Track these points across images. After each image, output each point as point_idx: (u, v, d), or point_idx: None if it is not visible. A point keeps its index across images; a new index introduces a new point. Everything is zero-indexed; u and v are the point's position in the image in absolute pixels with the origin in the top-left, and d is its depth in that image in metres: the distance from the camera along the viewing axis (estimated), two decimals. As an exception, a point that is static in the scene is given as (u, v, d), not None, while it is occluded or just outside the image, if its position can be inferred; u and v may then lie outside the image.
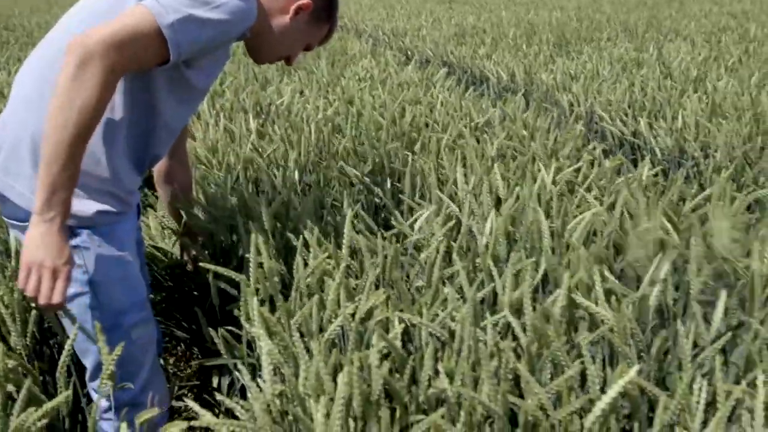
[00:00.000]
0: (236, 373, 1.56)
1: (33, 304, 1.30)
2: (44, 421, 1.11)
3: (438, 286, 1.50)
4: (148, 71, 1.32)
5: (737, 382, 1.29)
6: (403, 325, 1.32)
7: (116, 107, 1.34)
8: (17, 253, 1.48)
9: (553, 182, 2.06)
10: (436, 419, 1.04)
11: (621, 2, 11.52)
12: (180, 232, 1.96)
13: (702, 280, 1.41)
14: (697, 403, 1.09)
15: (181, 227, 1.95)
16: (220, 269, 1.52)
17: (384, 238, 1.66)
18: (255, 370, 1.53)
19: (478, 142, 2.55)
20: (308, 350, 1.29)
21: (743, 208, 1.87)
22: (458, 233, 1.79)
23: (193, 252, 1.97)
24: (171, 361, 2.36)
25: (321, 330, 1.39)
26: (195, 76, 1.40)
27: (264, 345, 1.22)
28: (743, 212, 1.88)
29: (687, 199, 2.01)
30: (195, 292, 2.08)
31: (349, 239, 1.54)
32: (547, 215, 1.81)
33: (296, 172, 2.24)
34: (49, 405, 1.12)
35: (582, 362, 1.17)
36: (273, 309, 1.46)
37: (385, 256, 1.56)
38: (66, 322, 1.41)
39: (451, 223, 1.74)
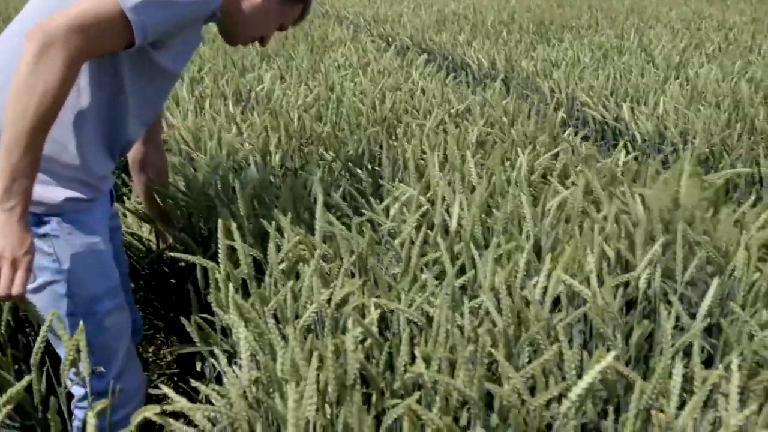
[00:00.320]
0: (212, 360, 1.55)
1: None
2: (9, 407, 1.10)
3: (415, 273, 1.50)
4: (115, 55, 1.29)
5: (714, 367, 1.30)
6: (379, 311, 1.32)
7: (83, 92, 1.31)
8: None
9: (530, 169, 2.06)
10: (411, 404, 1.03)
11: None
12: (155, 218, 1.93)
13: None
14: (674, 387, 1.09)
15: (157, 213, 1.93)
16: (192, 257, 1.50)
17: (359, 225, 1.65)
18: (232, 357, 1.52)
19: (457, 128, 2.54)
20: (284, 337, 1.28)
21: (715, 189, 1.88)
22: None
23: (170, 240, 1.95)
24: (150, 349, 2.35)
25: (297, 317, 1.38)
26: (163, 58, 1.37)
27: (240, 332, 1.21)
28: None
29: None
30: (172, 280, 2.06)
31: (322, 225, 1.52)
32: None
33: (277, 157, 2.23)
34: (13, 390, 1.10)
35: (560, 346, 1.17)
36: (247, 295, 1.45)
37: (360, 245, 1.55)
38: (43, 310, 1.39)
39: (423, 208, 1.73)
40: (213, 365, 1.69)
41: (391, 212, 1.78)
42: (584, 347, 1.44)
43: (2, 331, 1.57)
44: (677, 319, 1.37)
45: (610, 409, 1.13)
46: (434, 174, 1.98)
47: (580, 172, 2.01)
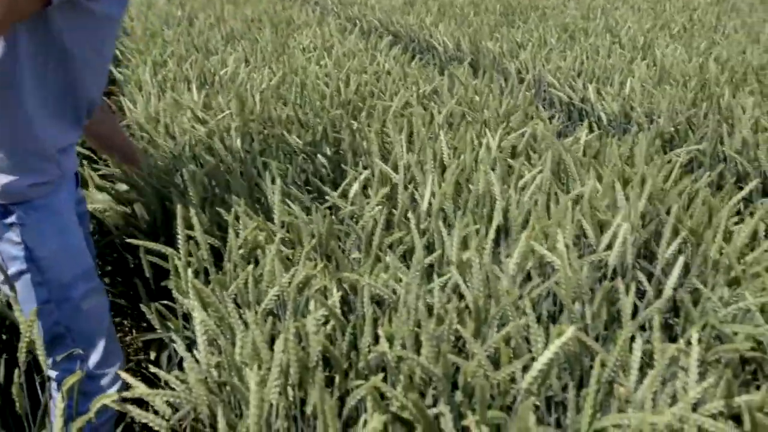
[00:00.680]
0: (174, 346, 1.53)
1: None
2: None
3: (377, 254, 1.48)
4: (46, 18, 1.22)
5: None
6: (341, 293, 1.30)
7: (22, 67, 1.25)
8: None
9: (499, 148, 2.06)
10: (375, 383, 1.02)
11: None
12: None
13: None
14: (634, 361, 1.09)
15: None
16: (150, 243, 1.48)
17: (320, 209, 1.64)
18: (194, 344, 1.50)
19: (425, 109, 2.53)
20: (245, 321, 1.26)
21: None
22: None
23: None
24: (118, 336, 2.31)
25: (259, 303, 1.36)
26: (99, 4, 1.29)
27: (197, 316, 1.19)
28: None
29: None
30: (131, 265, 2.04)
31: (281, 210, 1.51)
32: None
33: (238, 141, 2.20)
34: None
35: (528, 319, 1.16)
36: (208, 282, 1.43)
37: (321, 229, 1.53)
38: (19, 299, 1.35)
39: (386, 189, 1.72)
40: (175, 351, 1.67)
41: (351, 193, 1.76)
42: (554, 322, 1.44)
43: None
44: (644, 296, 1.39)
45: (573, 384, 1.13)
46: (400, 153, 1.97)
47: (549, 147, 2.02)
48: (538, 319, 1.34)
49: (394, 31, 5.19)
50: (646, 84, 3.11)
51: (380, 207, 1.62)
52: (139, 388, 1.10)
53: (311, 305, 1.24)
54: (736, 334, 1.24)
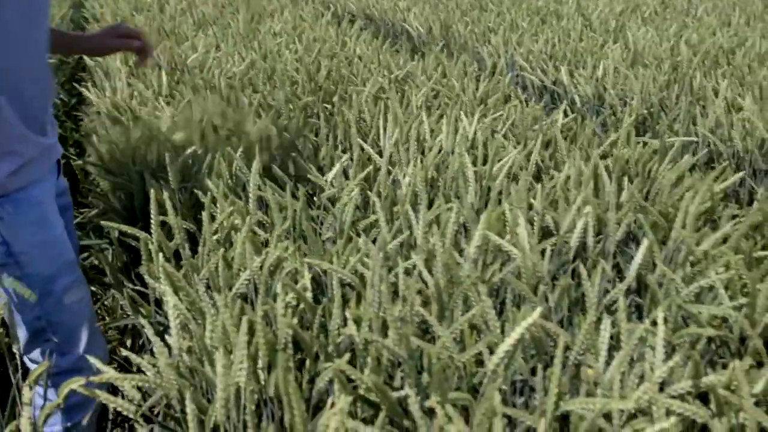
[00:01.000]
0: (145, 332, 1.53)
1: None
2: None
3: (350, 235, 1.49)
4: None
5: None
6: (311, 275, 1.31)
7: None
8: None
9: (475, 131, 2.07)
10: (340, 365, 1.03)
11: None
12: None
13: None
14: (602, 343, 1.11)
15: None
16: (124, 227, 1.47)
17: (293, 193, 1.64)
18: (167, 329, 1.50)
19: (399, 94, 2.53)
20: (216, 305, 1.26)
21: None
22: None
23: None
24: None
25: (231, 287, 1.36)
26: None
27: (169, 300, 1.19)
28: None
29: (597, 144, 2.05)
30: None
31: (256, 192, 1.50)
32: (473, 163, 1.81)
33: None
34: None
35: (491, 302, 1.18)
36: (180, 266, 1.43)
37: (295, 210, 1.53)
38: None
39: (364, 172, 1.72)
40: (147, 339, 1.67)
41: (330, 176, 1.76)
42: (518, 307, 1.45)
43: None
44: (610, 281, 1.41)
45: (540, 366, 1.14)
46: (379, 137, 1.97)
47: (529, 130, 2.03)
48: (503, 303, 1.36)
49: (370, 15, 5.18)
50: (620, 66, 3.13)
51: (357, 189, 1.62)
52: (108, 373, 1.10)
53: (279, 288, 1.24)
54: (700, 313, 1.25)
